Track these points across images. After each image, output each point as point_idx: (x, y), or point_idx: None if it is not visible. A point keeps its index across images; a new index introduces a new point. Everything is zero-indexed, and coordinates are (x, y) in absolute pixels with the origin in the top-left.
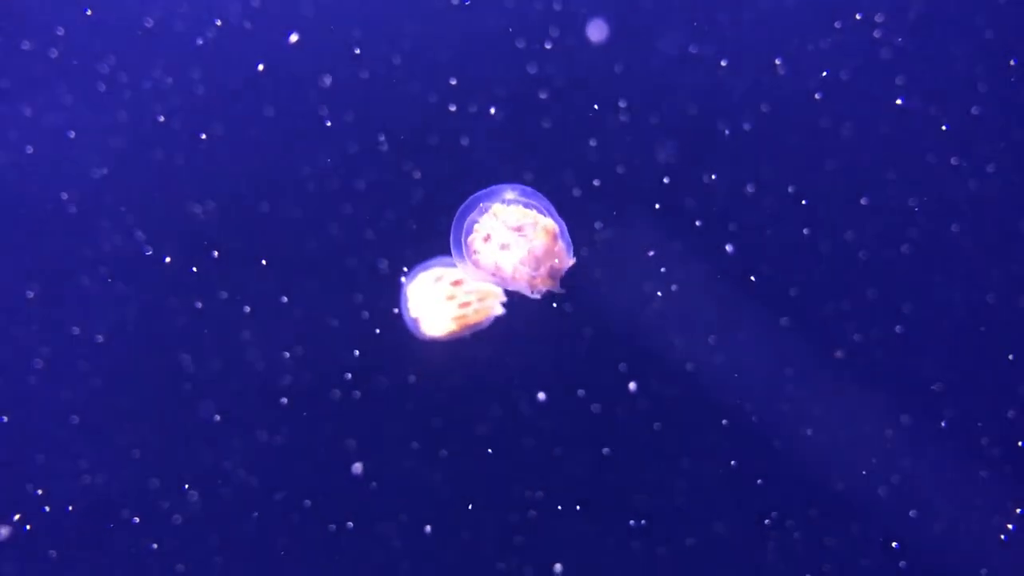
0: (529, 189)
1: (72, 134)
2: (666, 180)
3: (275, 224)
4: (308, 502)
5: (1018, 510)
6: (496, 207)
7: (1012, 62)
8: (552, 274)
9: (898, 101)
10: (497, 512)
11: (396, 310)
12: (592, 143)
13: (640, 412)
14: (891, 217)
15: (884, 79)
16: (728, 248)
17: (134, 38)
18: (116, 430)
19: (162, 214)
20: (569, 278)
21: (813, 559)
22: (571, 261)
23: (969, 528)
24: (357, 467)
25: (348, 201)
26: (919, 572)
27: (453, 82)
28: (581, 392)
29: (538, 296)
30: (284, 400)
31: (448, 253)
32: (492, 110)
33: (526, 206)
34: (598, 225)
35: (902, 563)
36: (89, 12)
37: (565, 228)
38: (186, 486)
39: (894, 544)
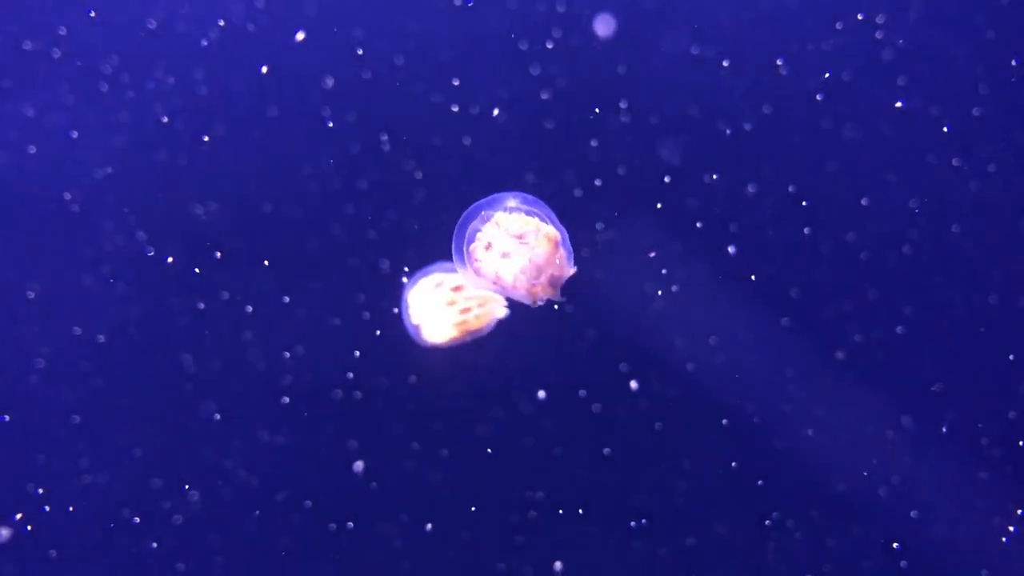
0: (531, 197)
1: (75, 134)
2: (667, 179)
3: (277, 224)
4: (309, 502)
5: (1019, 511)
6: (498, 215)
7: (1013, 62)
8: (552, 282)
9: (898, 104)
10: (497, 512)
11: (397, 310)
12: (594, 144)
13: (641, 412)
14: (892, 218)
15: (885, 80)
16: (729, 249)
17: (137, 38)
18: (117, 430)
19: (164, 214)
20: (570, 278)
21: (814, 560)
22: (572, 270)
23: (970, 529)
24: (358, 465)
25: (350, 201)
26: (920, 573)
27: (455, 83)
28: (582, 392)
29: (539, 305)
30: (285, 400)
31: (448, 257)
32: (495, 111)
33: (528, 214)
34: (599, 226)
35: (903, 563)
36: (93, 13)
37: (567, 236)
38: (187, 486)
39: (895, 545)
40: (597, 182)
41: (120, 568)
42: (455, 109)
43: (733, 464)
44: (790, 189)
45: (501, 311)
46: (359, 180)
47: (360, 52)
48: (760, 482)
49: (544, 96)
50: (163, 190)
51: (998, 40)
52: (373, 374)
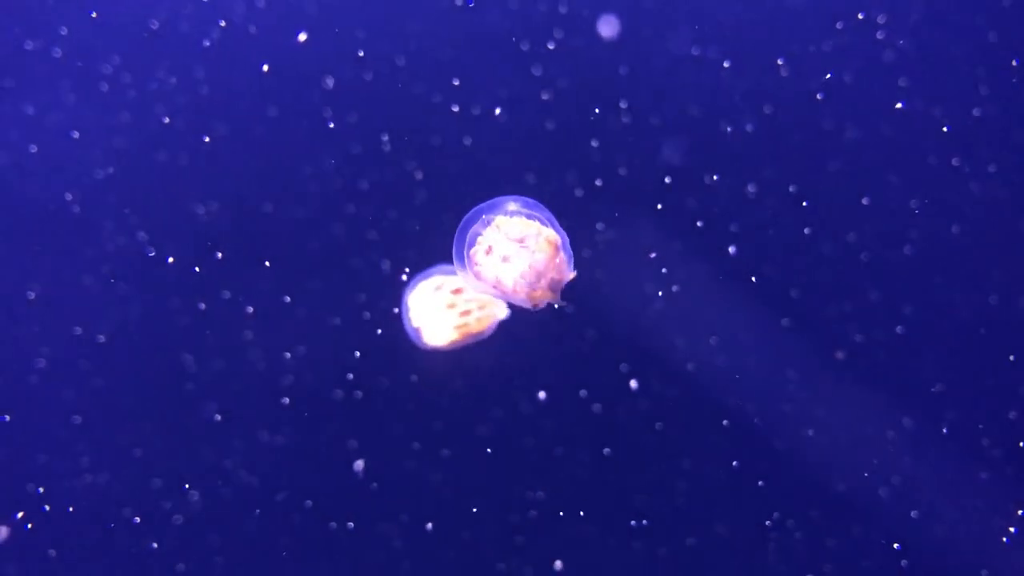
0: (531, 200)
1: (76, 134)
2: (667, 180)
3: (278, 224)
4: (309, 502)
5: (1019, 511)
6: (499, 219)
7: (1014, 62)
8: (552, 286)
9: (899, 105)
10: (498, 512)
11: (398, 310)
12: (594, 144)
13: (641, 413)
14: (892, 218)
15: (886, 81)
16: (730, 249)
17: (138, 38)
18: (117, 430)
19: (165, 214)
20: (570, 279)
21: (814, 560)
22: (572, 274)
23: (970, 529)
24: (359, 464)
25: (351, 201)
26: (921, 573)
27: (456, 83)
28: (583, 392)
29: (540, 309)
30: (286, 400)
31: (448, 258)
32: (496, 111)
33: (528, 217)
34: (600, 226)
35: (903, 562)
36: (94, 14)
37: (567, 239)
38: (187, 486)
39: (896, 545)
40: (598, 182)
41: (120, 568)
42: (456, 109)
43: (734, 464)
44: (791, 189)
45: (502, 313)
46: (360, 180)
47: (361, 53)
48: (760, 482)
49: (545, 96)
50: (164, 190)
51: (998, 41)
52: (374, 374)
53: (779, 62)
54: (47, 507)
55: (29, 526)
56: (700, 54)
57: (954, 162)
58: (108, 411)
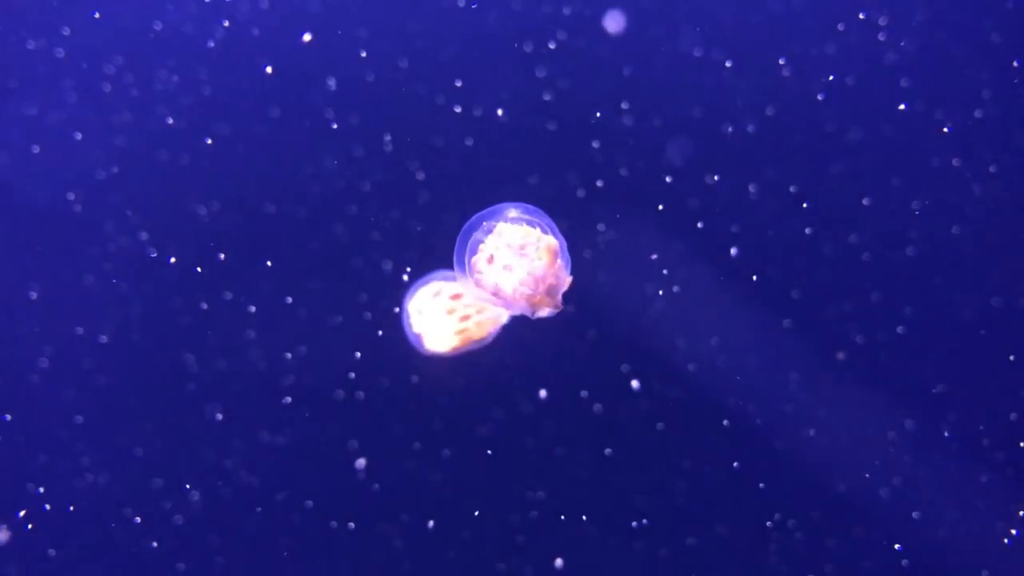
0: (531, 206)
1: (78, 135)
2: (668, 180)
3: (280, 225)
4: (310, 502)
5: (1020, 512)
6: (500, 226)
7: (1015, 63)
8: (551, 293)
9: (901, 107)
10: (498, 512)
11: (399, 310)
12: (596, 145)
13: (642, 413)
14: (893, 219)
15: (887, 82)
16: (732, 250)
17: (140, 39)
18: (119, 430)
19: (167, 215)
20: (572, 279)
21: (815, 560)
22: (569, 279)
23: (971, 530)
24: (360, 462)
25: (353, 202)
26: (922, 574)
27: (458, 84)
28: (584, 392)
29: (547, 314)
30: (288, 399)
31: (449, 260)
32: (499, 112)
33: (529, 224)
34: (601, 226)
35: (904, 562)
36: (97, 15)
37: (566, 246)
38: (187, 486)
39: (897, 546)
40: (599, 183)
41: (120, 568)
42: (458, 110)
43: (735, 465)
44: (791, 190)
45: (502, 319)
46: (362, 181)
47: (364, 54)
48: (761, 483)
49: (546, 97)
50: (166, 190)
51: (1000, 42)
52: (375, 374)
53: (780, 62)
54: (47, 507)
55: (30, 526)
56: (702, 55)
57: (955, 163)
58: (109, 411)
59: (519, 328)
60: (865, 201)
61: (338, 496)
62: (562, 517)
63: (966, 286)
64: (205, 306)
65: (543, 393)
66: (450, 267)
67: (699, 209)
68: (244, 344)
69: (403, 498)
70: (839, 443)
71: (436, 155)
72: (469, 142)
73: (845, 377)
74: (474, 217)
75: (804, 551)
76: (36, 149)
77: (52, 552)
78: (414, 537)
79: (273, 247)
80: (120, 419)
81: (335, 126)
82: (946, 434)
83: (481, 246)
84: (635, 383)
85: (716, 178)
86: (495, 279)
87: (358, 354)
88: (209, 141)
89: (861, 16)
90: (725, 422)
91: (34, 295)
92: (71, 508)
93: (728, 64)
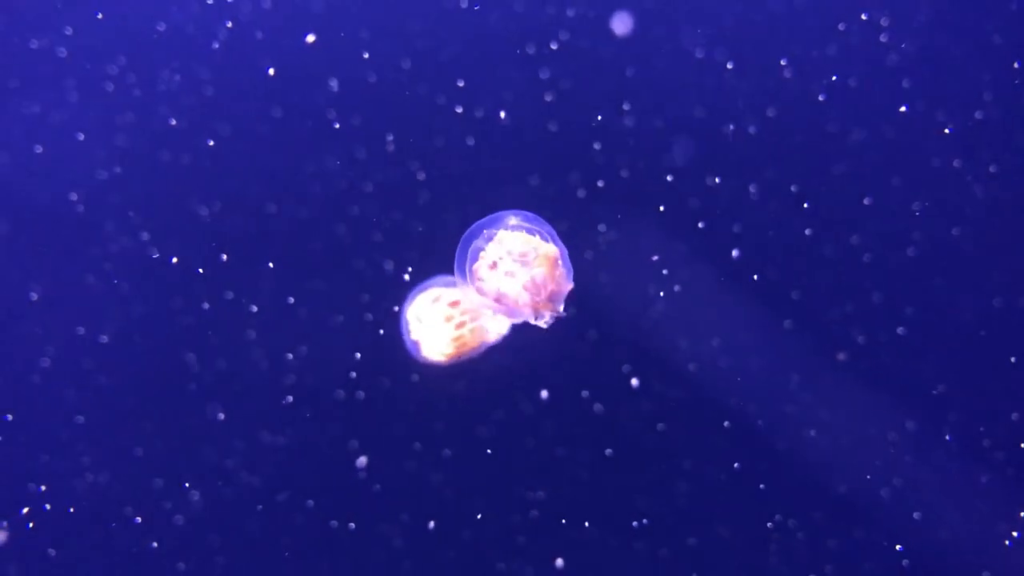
0: (531, 214)
1: (80, 135)
2: (669, 179)
3: (282, 225)
4: (311, 502)
5: (1022, 513)
6: (501, 233)
7: (1016, 64)
8: (552, 299)
9: (902, 108)
10: (499, 512)
11: (400, 310)
12: (597, 146)
13: (643, 413)
14: (894, 220)
15: (889, 82)
16: (732, 251)
17: (142, 39)
18: (119, 429)
19: (169, 215)
20: (573, 279)
21: (816, 561)
22: (570, 286)
23: (972, 531)
24: (362, 461)
25: (355, 203)
26: (922, 575)
27: (460, 84)
28: (584, 393)
29: (542, 323)
30: (289, 399)
31: (449, 262)
32: (501, 113)
33: (529, 232)
34: (602, 227)
35: (905, 562)
36: (100, 16)
37: (566, 253)
38: (187, 484)
39: (898, 547)
40: (600, 183)
41: (120, 568)
42: (459, 111)
43: (735, 465)
44: (792, 190)
45: (500, 329)
46: (364, 182)
47: (366, 55)
48: (762, 483)
49: (548, 98)
50: (168, 191)
51: (1001, 43)
52: (376, 374)
53: (782, 63)
54: (48, 506)
55: (31, 525)
56: (703, 56)
57: (955, 164)
58: (110, 411)
59: (520, 329)
60: (866, 202)
61: (339, 496)
62: (563, 519)
63: (967, 287)
64: (207, 306)
65: (544, 393)
66: (451, 270)
67: (700, 209)
68: (245, 344)
69: (404, 498)
70: (840, 444)
71: (438, 156)
72: (471, 142)
73: (846, 378)
74: (474, 225)
75: (805, 552)
76: (38, 149)
77: (52, 552)
78: (414, 537)
79: (275, 247)
80: (121, 419)
81: (337, 126)
82: (947, 435)
83: (482, 253)
84: (635, 382)
85: (717, 179)
86: (497, 285)
87: (359, 355)
88: (211, 143)
89: (863, 16)
90: (726, 423)
91: (35, 295)
92: (71, 508)
93: (729, 65)
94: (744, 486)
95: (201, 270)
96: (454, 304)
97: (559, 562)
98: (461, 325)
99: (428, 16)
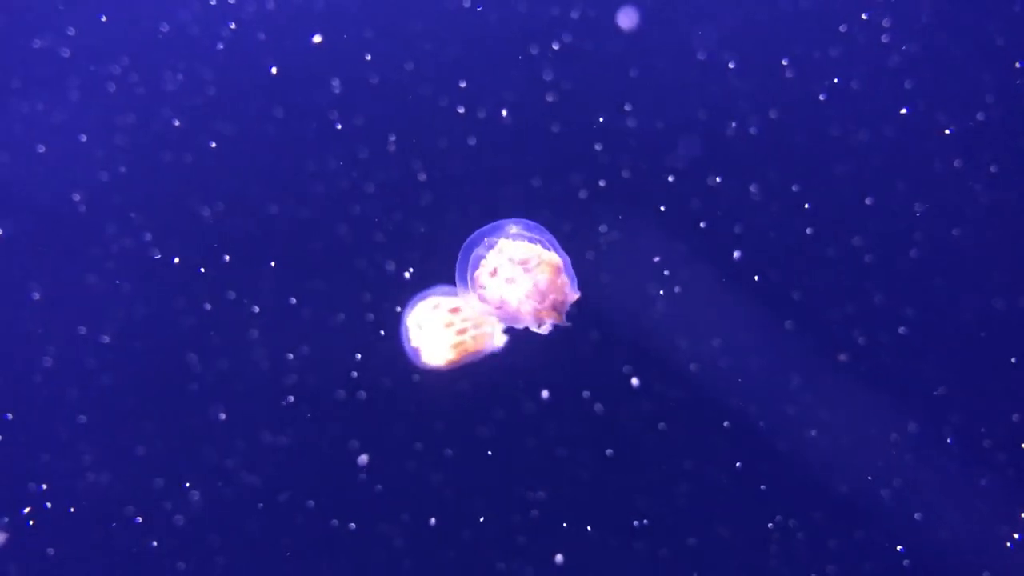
0: (532, 223)
1: (83, 135)
2: (671, 179)
3: (283, 225)
4: (311, 502)
5: (1023, 514)
6: (502, 242)
7: (1017, 64)
8: (556, 307)
9: (903, 111)
10: (499, 512)
11: (401, 311)
12: (598, 146)
13: (644, 413)
14: (896, 220)
15: (890, 83)
16: (734, 251)
17: (146, 39)
18: (120, 429)
19: (171, 216)
20: (573, 279)
21: (817, 561)
22: (576, 295)
23: (973, 532)
24: (363, 459)
25: (357, 203)
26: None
27: (462, 85)
28: (585, 393)
29: (544, 331)
30: (290, 399)
31: (451, 262)
32: (503, 113)
33: (530, 240)
34: (603, 227)
35: (905, 562)
36: (104, 18)
37: (569, 262)
38: (187, 484)
39: (899, 547)
40: (601, 183)
41: (120, 568)
42: (461, 111)
43: (736, 465)
44: (794, 190)
45: (499, 338)
46: (366, 182)
47: (368, 56)
48: (763, 484)
49: (550, 99)
50: (170, 191)
51: (1003, 44)
52: (377, 374)
53: (783, 63)
54: (48, 505)
55: (31, 523)
56: (705, 57)
57: (956, 165)
58: (111, 411)
59: (521, 329)
60: (867, 202)
61: (339, 496)
62: (563, 519)
63: (968, 288)
64: (208, 306)
65: (545, 393)
66: (452, 271)
67: (701, 210)
68: (247, 344)
69: (404, 498)
70: (841, 444)
71: (439, 156)
72: (472, 143)
73: (847, 378)
74: (475, 233)
75: (805, 552)
76: (41, 149)
77: (52, 552)
78: (415, 537)
79: (276, 247)
80: (122, 419)
81: (339, 127)
82: (948, 436)
83: (483, 261)
84: (636, 381)
85: (718, 179)
86: (499, 293)
87: (359, 355)
88: (213, 143)
89: (864, 17)
90: (727, 423)
91: (37, 295)
92: (72, 508)
93: (731, 65)
94: (745, 486)
95: (203, 270)
96: (455, 311)
97: (558, 557)
98: (462, 332)
99: (430, 16)
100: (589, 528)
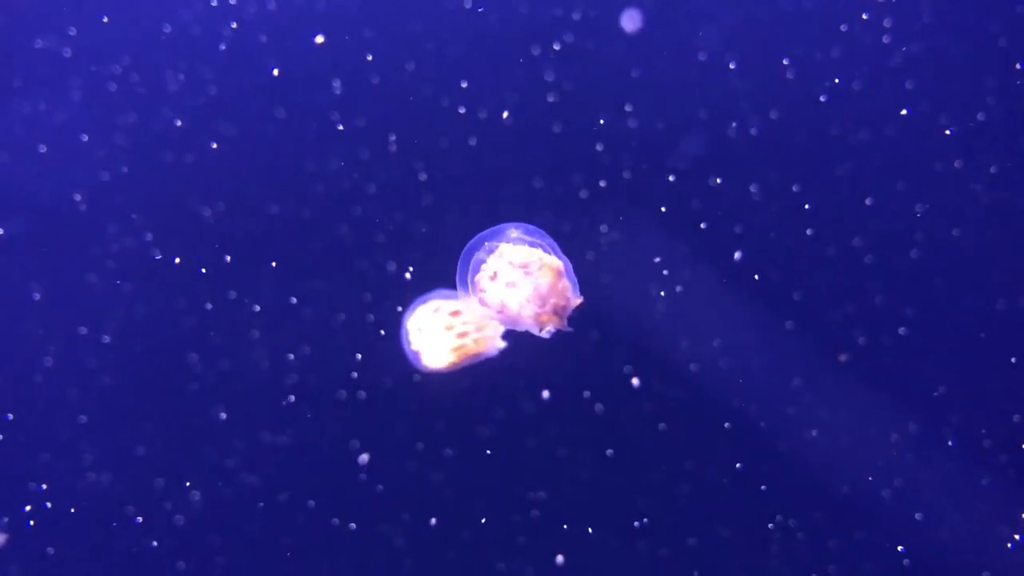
0: (533, 227)
1: (84, 135)
2: (671, 179)
3: (284, 226)
4: (312, 502)
5: (1023, 514)
6: (503, 246)
7: (1018, 65)
8: (557, 311)
9: (904, 112)
10: (500, 512)
11: (401, 311)
12: (599, 147)
13: (645, 414)
14: (896, 221)
15: (890, 83)
16: (734, 251)
17: (147, 39)
18: (121, 429)
19: (172, 216)
20: (574, 279)
21: (817, 562)
22: (578, 299)
23: (974, 533)
24: (364, 459)
25: (358, 203)
26: None
27: (464, 85)
28: (586, 393)
29: (546, 335)
30: (291, 399)
31: (451, 263)
32: (504, 114)
33: (531, 244)
34: (604, 228)
35: (906, 562)
36: (105, 19)
37: (570, 266)
38: (187, 484)
39: (899, 548)
40: (602, 183)
41: (120, 568)
42: (462, 111)
43: (737, 466)
44: (794, 190)
45: (502, 339)
46: (367, 182)
47: (369, 57)
48: (763, 484)
49: (551, 99)
50: (171, 191)
51: (1004, 44)
52: (377, 374)
53: (784, 63)
54: (48, 504)
55: (31, 523)
56: (706, 57)
57: (957, 165)
58: (112, 411)
59: (521, 329)
60: (868, 202)
61: (340, 496)
62: (563, 519)
63: (968, 288)
64: (209, 306)
65: (545, 394)
66: (453, 273)
67: (702, 210)
68: (247, 344)
69: (405, 498)
70: (841, 445)
71: (440, 156)
72: (473, 143)
73: (847, 379)
74: (476, 237)
75: (806, 552)
76: (42, 149)
77: (52, 552)
78: (415, 537)
79: (277, 248)
80: (122, 419)
81: (340, 127)
82: (948, 436)
83: (484, 265)
84: (636, 381)
85: (719, 180)
86: (500, 296)
87: (360, 355)
88: (215, 144)
89: (865, 17)
90: (727, 423)
91: (38, 295)
92: (72, 508)
93: (732, 66)
94: (745, 487)
95: (204, 270)
96: (455, 314)
97: (559, 558)
98: (463, 335)
99: (431, 17)
100: (590, 528)
